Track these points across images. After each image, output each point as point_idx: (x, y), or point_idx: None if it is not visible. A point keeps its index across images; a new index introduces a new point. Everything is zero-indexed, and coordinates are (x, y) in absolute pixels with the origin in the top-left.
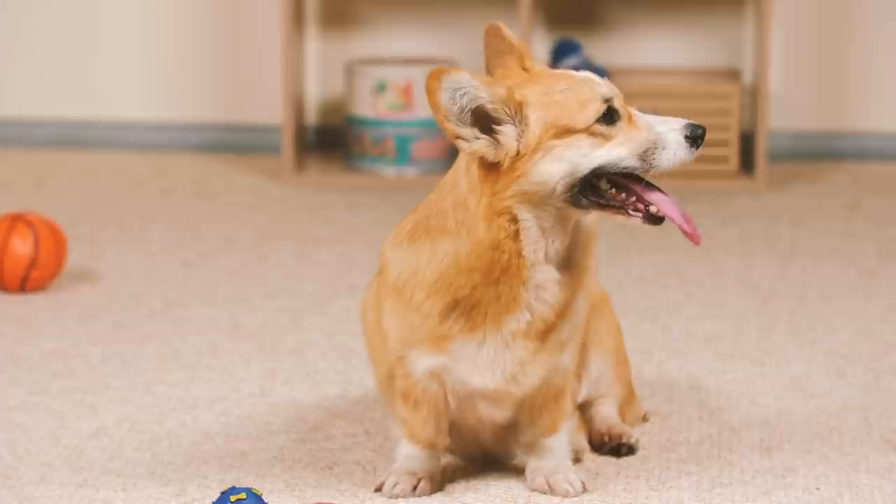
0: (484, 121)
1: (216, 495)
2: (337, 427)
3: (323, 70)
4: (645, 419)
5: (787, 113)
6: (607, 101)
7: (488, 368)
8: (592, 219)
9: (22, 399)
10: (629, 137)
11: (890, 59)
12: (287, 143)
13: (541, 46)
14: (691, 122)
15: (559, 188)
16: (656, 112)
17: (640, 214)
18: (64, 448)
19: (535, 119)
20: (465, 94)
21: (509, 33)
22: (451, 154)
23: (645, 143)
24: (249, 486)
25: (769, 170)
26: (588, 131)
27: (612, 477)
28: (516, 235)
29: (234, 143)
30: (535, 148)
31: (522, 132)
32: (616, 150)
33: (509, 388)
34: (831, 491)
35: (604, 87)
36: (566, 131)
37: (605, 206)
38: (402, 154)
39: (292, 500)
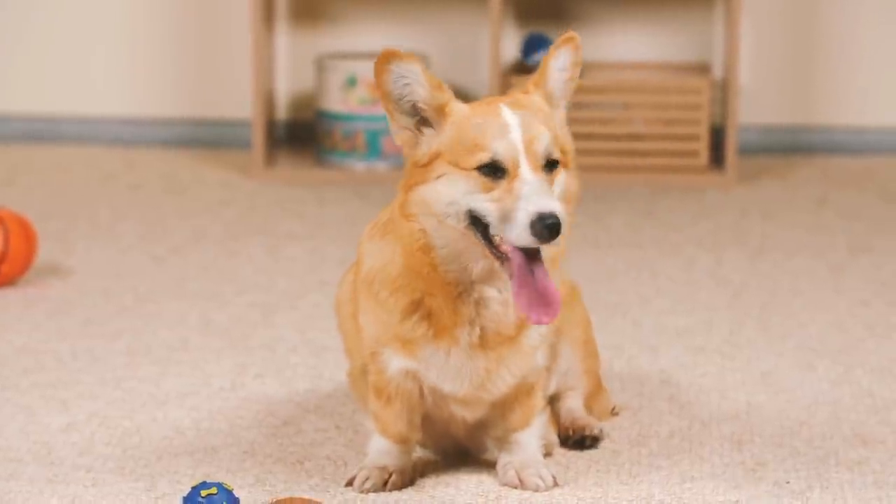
0: (421, 117)
1: (187, 490)
2: (308, 422)
3: (293, 65)
4: (614, 412)
5: (756, 107)
6: (496, 156)
7: (457, 376)
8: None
9: None
10: (501, 198)
11: (859, 54)
12: (257, 137)
13: (511, 41)
14: (551, 213)
15: (450, 213)
16: (627, 107)
17: (509, 271)
18: (34, 443)
19: (444, 137)
20: (406, 84)
21: (556, 51)
22: None
23: (505, 210)
24: (220, 481)
25: (739, 164)
26: (472, 175)
27: (582, 471)
28: (427, 249)
29: (203, 138)
30: (430, 163)
31: (431, 143)
32: (487, 205)
33: (479, 394)
34: (801, 484)
35: (508, 142)
36: (458, 164)
37: (487, 247)
38: (372, 148)
39: (263, 494)
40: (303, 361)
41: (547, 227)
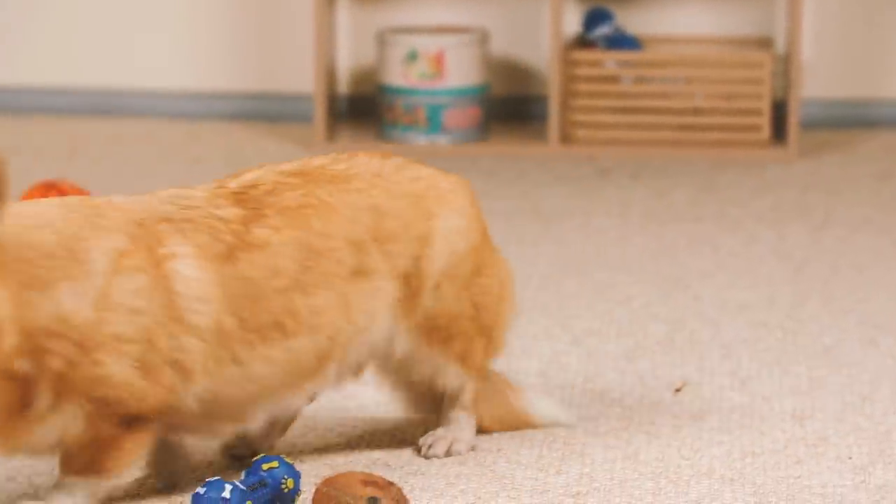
0: None
1: (249, 463)
2: (368, 396)
3: (355, 39)
4: (678, 390)
5: (819, 81)
6: None
7: None
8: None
9: None
10: None
11: None
12: (319, 111)
13: (572, 16)
14: None
15: None
16: (688, 81)
17: None
18: None
19: None
20: None
21: None
22: (483, 123)
23: None
24: (281, 454)
25: (801, 138)
26: None
27: (643, 445)
28: None
29: (265, 112)
30: None
31: None
32: None
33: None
34: (863, 460)
35: None
36: None
37: None
38: (433, 123)
39: (324, 468)
40: None
41: None
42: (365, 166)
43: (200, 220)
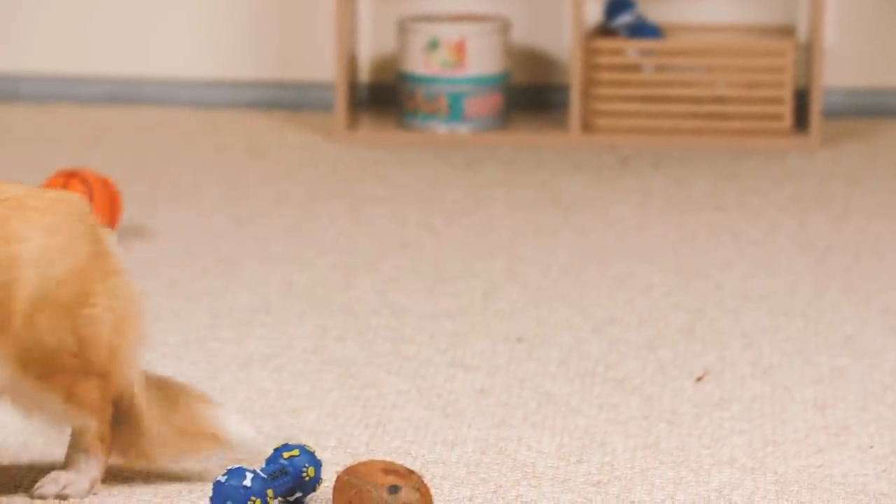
0: None
1: (269, 452)
2: (389, 384)
3: (376, 27)
4: (699, 378)
5: (841, 70)
6: None
7: None
8: None
9: None
10: None
11: None
12: (339, 100)
13: (594, 4)
14: None
15: None
16: (710, 70)
17: None
18: None
19: None
20: None
21: None
22: (504, 111)
23: None
24: (302, 443)
25: (823, 127)
26: None
27: (664, 434)
28: None
29: (286, 101)
30: None
31: None
32: None
33: None
34: (885, 449)
35: None
36: None
37: None
38: (454, 111)
39: (345, 456)
40: (384, 323)
41: None
42: None
43: None
